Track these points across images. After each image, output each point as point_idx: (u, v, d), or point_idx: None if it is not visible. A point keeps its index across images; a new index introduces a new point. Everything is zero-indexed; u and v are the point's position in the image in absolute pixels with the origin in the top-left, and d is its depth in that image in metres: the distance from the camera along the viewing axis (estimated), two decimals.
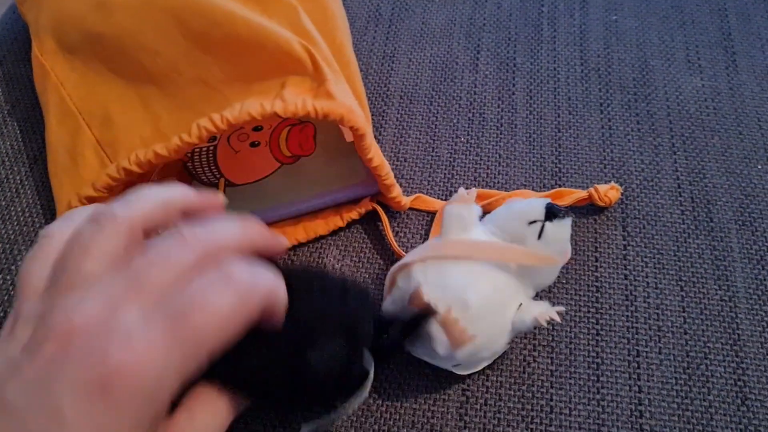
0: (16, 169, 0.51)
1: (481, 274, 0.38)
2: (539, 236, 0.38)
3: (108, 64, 0.46)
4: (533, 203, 0.39)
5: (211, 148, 0.50)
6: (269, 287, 0.27)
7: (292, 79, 0.41)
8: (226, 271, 0.26)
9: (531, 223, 0.38)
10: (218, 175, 0.48)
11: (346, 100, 0.40)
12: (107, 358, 0.22)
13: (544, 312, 0.37)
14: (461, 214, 0.40)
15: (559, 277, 0.45)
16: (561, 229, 0.38)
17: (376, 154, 0.42)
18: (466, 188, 0.44)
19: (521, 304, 0.38)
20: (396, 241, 0.46)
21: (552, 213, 0.38)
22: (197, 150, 0.49)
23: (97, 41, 0.45)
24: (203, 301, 0.24)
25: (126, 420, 0.23)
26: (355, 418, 0.40)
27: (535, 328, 0.41)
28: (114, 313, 0.23)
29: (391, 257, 0.46)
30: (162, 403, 0.24)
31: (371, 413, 0.41)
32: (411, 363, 0.42)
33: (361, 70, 0.55)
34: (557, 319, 0.37)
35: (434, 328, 0.36)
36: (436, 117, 0.53)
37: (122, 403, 0.22)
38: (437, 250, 0.39)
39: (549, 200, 0.39)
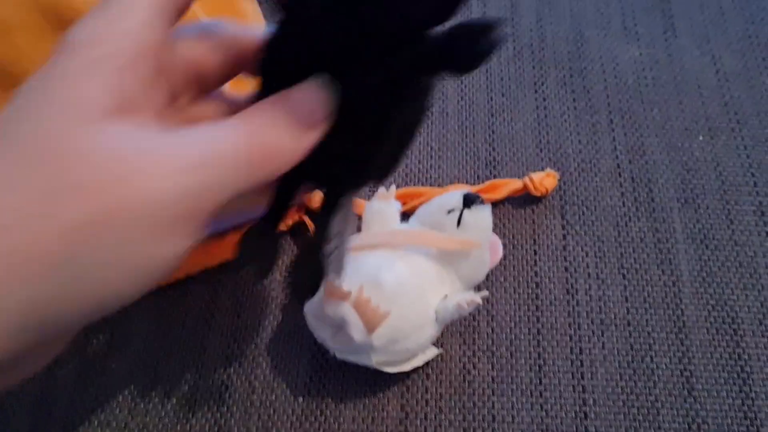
0: None
1: (398, 258, 0.37)
2: (458, 224, 0.38)
3: None
4: (452, 194, 0.39)
5: None
6: None
7: None
8: None
9: (449, 212, 0.38)
10: None
11: None
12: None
13: (466, 297, 0.37)
14: (381, 210, 0.41)
15: (497, 274, 0.43)
16: (479, 216, 0.38)
17: None
18: (397, 187, 0.44)
19: (447, 295, 0.38)
20: None
21: (469, 200, 0.38)
22: None
23: None
24: None
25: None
26: None
27: (462, 319, 0.41)
28: None
29: None
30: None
31: None
32: (347, 381, 0.41)
33: None
34: (478, 301, 0.36)
35: (347, 312, 0.35)
36: None
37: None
38: (355, 242, 0.39)
39: (469, 189, 0.40)
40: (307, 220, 0.44)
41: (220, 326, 0.42)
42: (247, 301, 0.43)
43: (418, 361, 0.39)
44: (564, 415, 0.39)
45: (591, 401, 0.40)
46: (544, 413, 0.39)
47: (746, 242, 0.44)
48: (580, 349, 0.41)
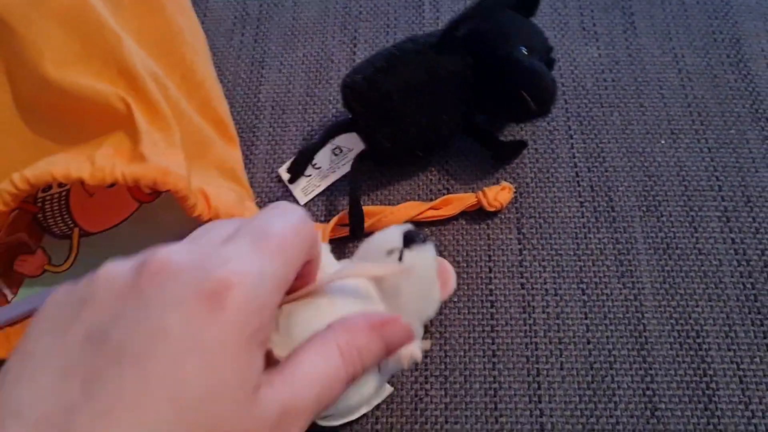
0: None
1: (332, 312, 0.32)
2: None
3: None
4: (391, 231, 0.35)
5: (64, 193, 0.45)
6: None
7: (112, 138, 0.36)
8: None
9: (390, 252, 0.34)
10: (71, 225, 0.44)
11: (164, 159, 0.35)
12: (210, 273, 0.23)
13: (407, 350, 0.32)
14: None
15: (451, 296, 0.41)
16: (421, 255, 0.34)
17: (204, 210, 0.37)
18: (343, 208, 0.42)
19: None
20: None
21: (410, 239, 0.34)
22: (48, 197, 0.45)
23: None
24: (276, 220, 0.26)
25: (231, 335, 0.22)
26: None
27: (415, 366, 0.38)
28: (210, 250, 0.24)
29: None
30: (263, 319, 0.24)
31: None
32: None
33: (229, 82, 0.50)
34: (418, 357, 0.32)
35: None
36: (311, 126, 0.48)
37: (227, 315, 0.22)
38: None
39: (409, 226, 0.36)
40: None
41: None
42: None
43: (366, 408, 0.36)
44: None
45: (549, 426, 0.38)
46: None
47: (711, 250, 0.42)
48: (538, 371, 0.39)
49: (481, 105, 0.43)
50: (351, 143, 0.45)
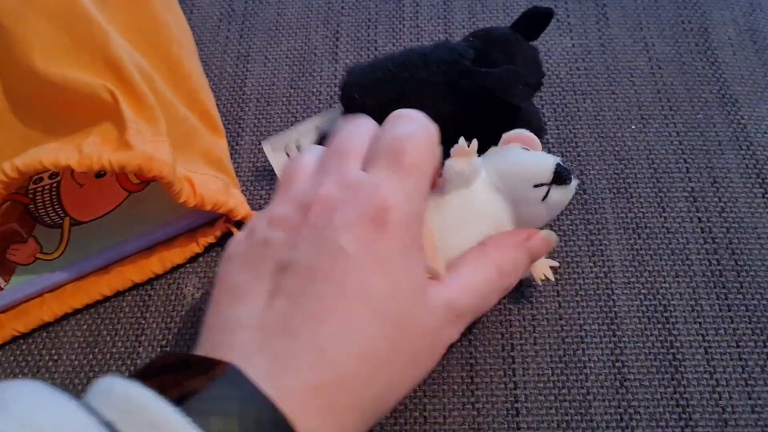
0: None
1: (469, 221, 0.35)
2: (543, 199, 0.35)
3: None
4: (542, 162, 0.35)
5: (54, 184, 0.46)
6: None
7: (99, 128, 0.38)
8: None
9: (536, 186, 0.35)
10: (62, 215, 0.45)
11: (150, 147, 0.37)
12: (369, 201, 0.28)
13: (542, 267, 0.39)
14: (462, 170, 0.34)
15: None
16: (565, 195, 0.36)
17: (189, 196, 0.39)
18: None
19: None
20: None
21: (561, 178, 0.35)
22: (39, 188, 0.46)
23: None
24: (405, 137, 0.31)
25: (397, 246, 0.28)
26: None
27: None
28: (355, 181, 0.30)
29: None
30: (417, 229, 0.30)
31: None
32: None
33: (215, 75, 0.52)
34: (551, 277, 0.39)
35: None
36: (295, 117, 0.50)
37: (391, 230, 0.28)
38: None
39: (558, 159, 0.35)
40: (234, 230, 0.44)
41: (150, 342, 0.42)
42: (177, 315, 0.43)
43: None
44: (496, 413, 0.39)
45: (523, 397, 0.39)
46: (476, 412, 0.39)
47: (678, 229, 0.44)
48: (512, 346, 0.41)
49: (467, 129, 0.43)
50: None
